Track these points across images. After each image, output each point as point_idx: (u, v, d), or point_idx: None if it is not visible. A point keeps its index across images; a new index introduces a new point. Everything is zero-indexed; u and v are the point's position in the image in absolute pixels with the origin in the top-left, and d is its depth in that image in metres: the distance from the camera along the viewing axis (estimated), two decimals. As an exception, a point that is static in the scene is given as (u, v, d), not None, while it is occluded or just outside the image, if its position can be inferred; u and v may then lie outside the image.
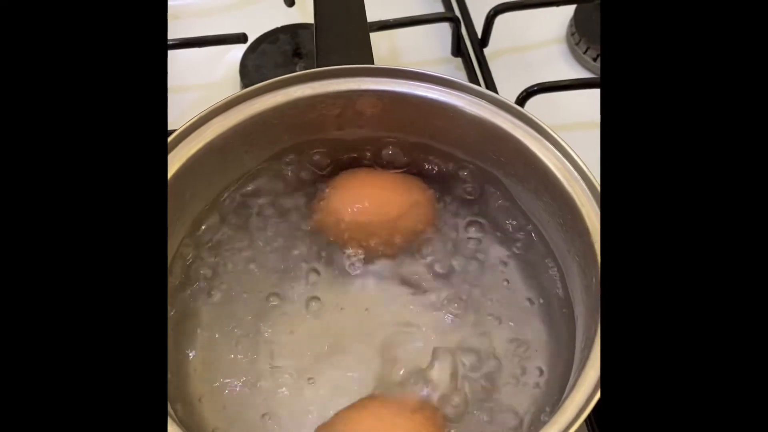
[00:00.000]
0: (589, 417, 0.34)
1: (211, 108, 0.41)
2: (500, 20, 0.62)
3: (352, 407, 0.39)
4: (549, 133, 0.40)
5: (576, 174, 0.39)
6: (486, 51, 0.63)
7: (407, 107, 0.43)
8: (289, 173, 0.46)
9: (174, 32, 0.61)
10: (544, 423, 0.33)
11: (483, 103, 0.42)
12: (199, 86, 0.62)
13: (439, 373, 0.40)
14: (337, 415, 0.39)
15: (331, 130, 0.45)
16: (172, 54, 0.61)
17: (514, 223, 0.45)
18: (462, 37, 0.63)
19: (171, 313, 0.41)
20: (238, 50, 0.62)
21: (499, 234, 0.45)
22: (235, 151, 0.42)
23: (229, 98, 0.41)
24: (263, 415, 0.40)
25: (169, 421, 0.31)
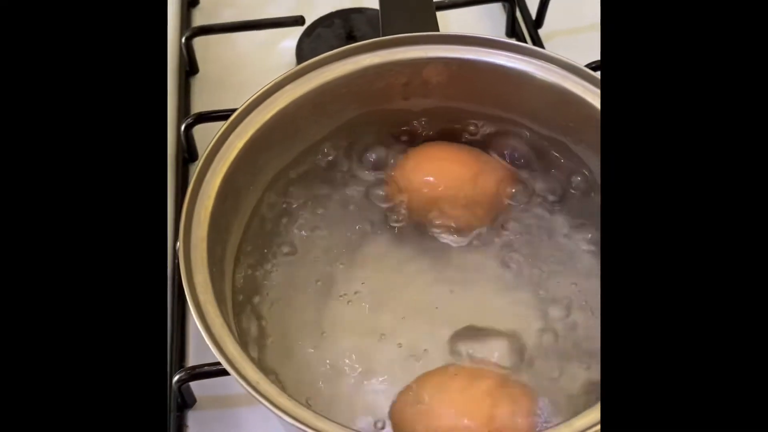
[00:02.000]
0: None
1: (283, 76, 0.41)
2: (555, 1, 0.62)
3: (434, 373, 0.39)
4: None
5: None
6: (541, 32, 0.62)
7: (475, 74, 0.43)
8: (357, 143, 0.46)
9: (230, 17, 0.62)
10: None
11: (553, 67, 0.41)
12: (256, 70, 0.62)
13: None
14: (418, 380, 0.39)
15: (398, 99, 0.45)
16: (229, 37, 0.62)
17: (584, 190, 0.44)
18: (516, 18, 0.63)
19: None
20: (294, 36, 0.62)
21: (570, 205, 0.45)
22: (306, 119, 0.43)
23: (298, 67, 0.42)
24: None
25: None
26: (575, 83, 0.41)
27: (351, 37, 0.63)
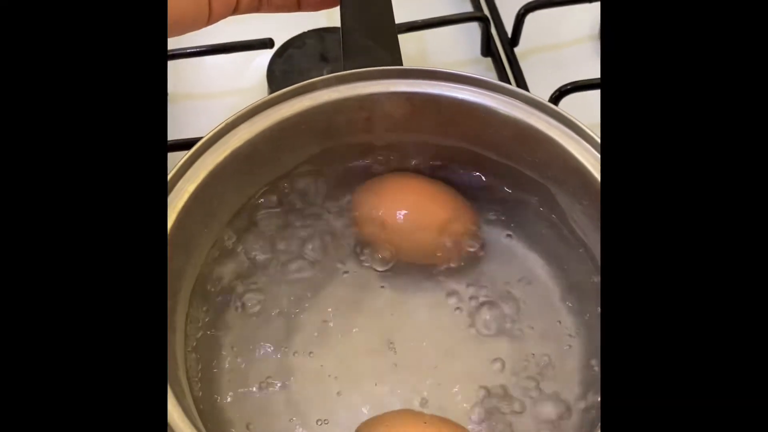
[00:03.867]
0: None
1: (237, 115, 0.40)
2: (531, 18, 0.60)
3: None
4: (585, 132, 0.38)
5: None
6: (517, 50, 0.61)
7: (438, 109, 0.42)
8: (319, 179, 0.45)
9: (200, 39, 0.60)
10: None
11: (516, 102, 0.40)
12: (226, 93, 0.61)
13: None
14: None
15: (360, 134, 0.43)
16: (198, 61, 0.61)
17: (554, 226, 0.43)
18: (492, 36, 0.62)
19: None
20: (265, 56, 0.61)
21: (536, 239, 0.44)
22: (263, 158, 0.41)
23: (254, 104, 0.40)
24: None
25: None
26: (539, 119, 0.40)
27: (324, 59, 0.62)
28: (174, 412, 0.32)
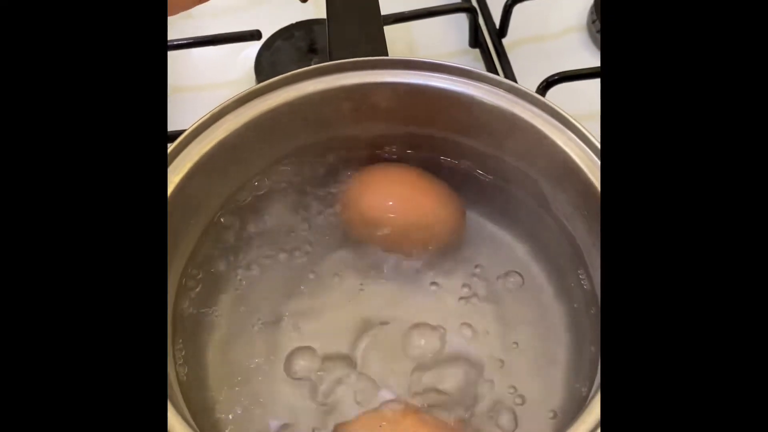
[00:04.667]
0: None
1: (223, 105, 0.40)
2: (518, 9, 0.60)
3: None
4: (569, 120, 0.39)
5: (597, 161, 0.38)
6: (504, 41, 0.61)
7: (423, 99, 0.42)
8: (307, 170, 0.45)
9: (188, 31, 0.61)
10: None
11: (501, 92, 0.40)
12: (214, 85, 0.61)
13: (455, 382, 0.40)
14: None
15: (347, 125, 0.43)
16: (186, 53, 0.61)
17: (538, 215, 0.43)
18: (480, 27, 0.62)
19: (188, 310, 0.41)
20: (253, 48, 0.61)
21: (522, 230, 0.45)
22: (250, 149, 0.42)
23: (240, 95, 0.40)
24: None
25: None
26: (523, 108, 0.40)
27: (312, 50, 0.62)
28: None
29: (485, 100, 0.41)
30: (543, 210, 0.43)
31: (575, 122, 0.39)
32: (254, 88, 0.41)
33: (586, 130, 0.38)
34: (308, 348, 0.41)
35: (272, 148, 0.43)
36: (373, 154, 0.46)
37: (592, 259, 0.40)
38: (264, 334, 0.42)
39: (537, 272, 0.44)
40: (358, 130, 0.44)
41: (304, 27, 0.63)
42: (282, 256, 0.44)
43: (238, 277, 0.43)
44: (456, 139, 0.44)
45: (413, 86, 0.42)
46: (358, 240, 0.45)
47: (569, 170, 0.39)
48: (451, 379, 0.40)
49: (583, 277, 0.41)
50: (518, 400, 0.39)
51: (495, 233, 0.45)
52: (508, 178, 0.44)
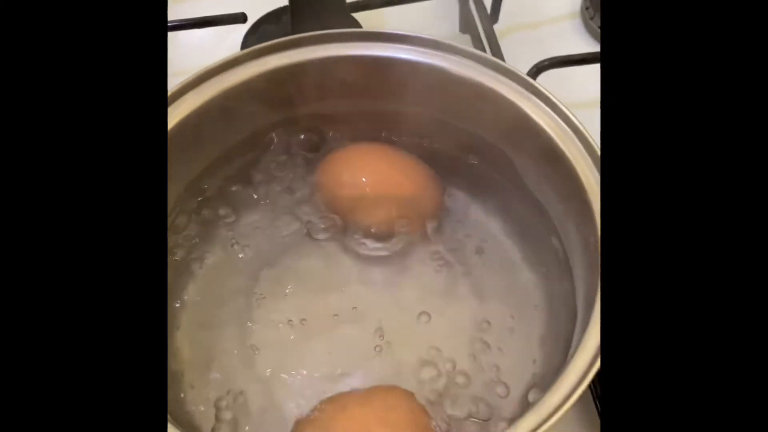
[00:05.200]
0: (592, 383, 0.31)
1: (181, 85, 0.39)
2: (511, -5, 0.59)
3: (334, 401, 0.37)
4: (539, 90, 0.37)
5: (565, 127, 0.36)
6: (496, 27, 0.59)
7: (391, 73, 0.40)
8: (272, 149, 0.44)
9: (172, 14, 0.60)
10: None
11: (470, 62, 0.39)
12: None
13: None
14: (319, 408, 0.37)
15: (312, 101, 0.42)
16: (171, 36, 0.60)
17: (512, 190, 0.42)
18: (470, 12, 0.60)
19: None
20: (240, 32, 0.60)
21: (495, 205, 0.43)
22: (213, 128, 0.40)
23: (197, 73, 0.39)
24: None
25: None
26: (492, 78, 0.38)
27: (299, 34, 0.61)
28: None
29: (453, 71, 0.39)
30: (516, 185, 0.41)
31: (543, 89, 0.37)
32: (212, 65, 0.39)
33: (555, 97, 0.37)
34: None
35: (238, 127, 0.42)
36: (345, 132, 0.44)
37: (565, 231, 0.39)
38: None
39: (510, 246, 0.42)
40: (324, 107, 0.43)
41: (292, 11, 0.62)
42: (248, 241, 0.44)
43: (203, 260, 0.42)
44: (429, 114, 0.42)
45: (379, 59, 0.40)
46: (334, 218, 0.43)
47: (539, 141, 0.37)
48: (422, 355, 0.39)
49: (557, 249, 0.40)
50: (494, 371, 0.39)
51: (470, 208, 0.44)
52: (483, 153, 0.42)
